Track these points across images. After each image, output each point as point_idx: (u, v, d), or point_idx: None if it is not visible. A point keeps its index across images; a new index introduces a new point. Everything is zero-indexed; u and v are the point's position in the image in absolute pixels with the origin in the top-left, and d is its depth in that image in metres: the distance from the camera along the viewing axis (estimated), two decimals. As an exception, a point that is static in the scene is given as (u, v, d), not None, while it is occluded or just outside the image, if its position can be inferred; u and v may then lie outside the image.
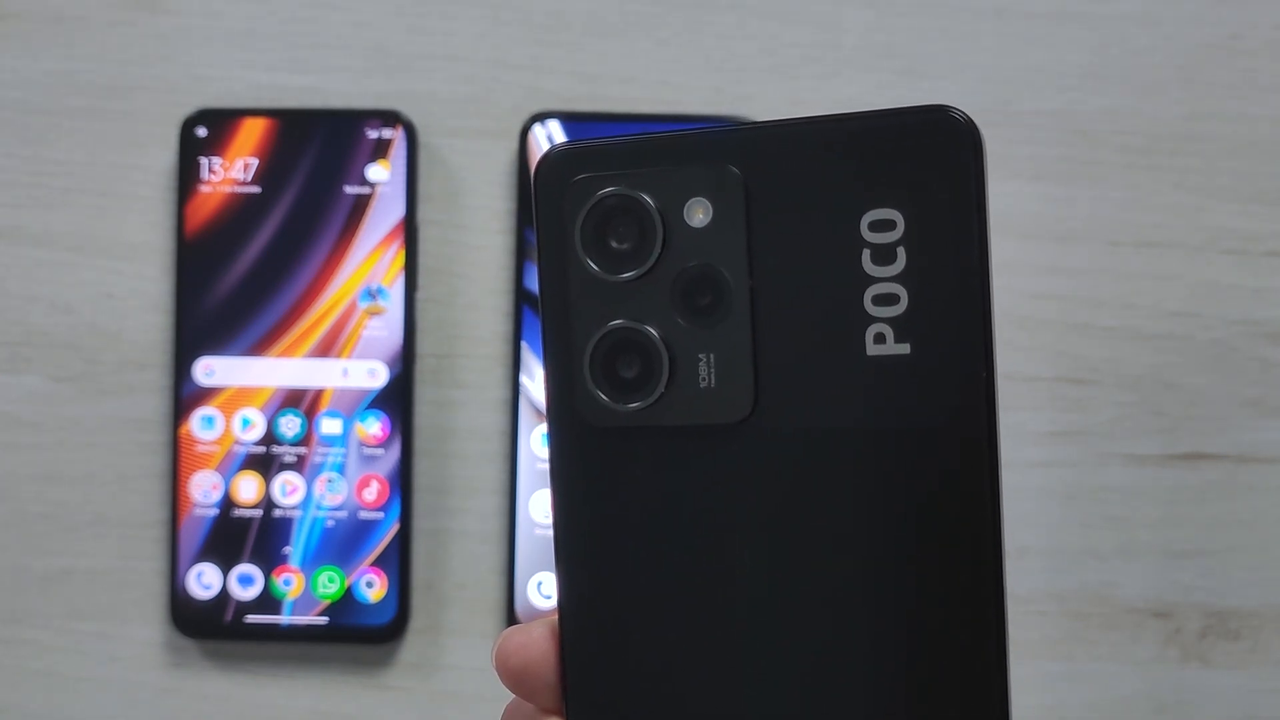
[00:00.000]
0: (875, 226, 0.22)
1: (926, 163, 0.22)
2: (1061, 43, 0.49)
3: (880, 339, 0.22)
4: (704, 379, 0.23)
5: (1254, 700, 0.48)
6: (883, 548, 0.23)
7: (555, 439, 0.25)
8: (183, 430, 0.49)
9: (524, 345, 0.49)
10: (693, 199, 0.23)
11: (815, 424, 0.23)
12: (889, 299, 0.22)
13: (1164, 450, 0.49)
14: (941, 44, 0.49)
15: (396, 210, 0.49)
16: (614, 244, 0.24)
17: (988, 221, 0.22)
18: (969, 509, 0.22)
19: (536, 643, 0.25)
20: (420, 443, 0.49)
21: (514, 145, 0.49)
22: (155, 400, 0.50)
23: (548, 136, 0.49)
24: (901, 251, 0.22)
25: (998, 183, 0.49)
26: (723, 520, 0.23)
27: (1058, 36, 0.49)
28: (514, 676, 0.25)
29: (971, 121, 0.22)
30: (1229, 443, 0.49)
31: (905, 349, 0.22)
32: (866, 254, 0.22)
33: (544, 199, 0.24)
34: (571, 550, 0.24)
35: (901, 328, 0.22)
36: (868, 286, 0.22)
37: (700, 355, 0.23)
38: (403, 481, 0.48)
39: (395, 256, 0.49)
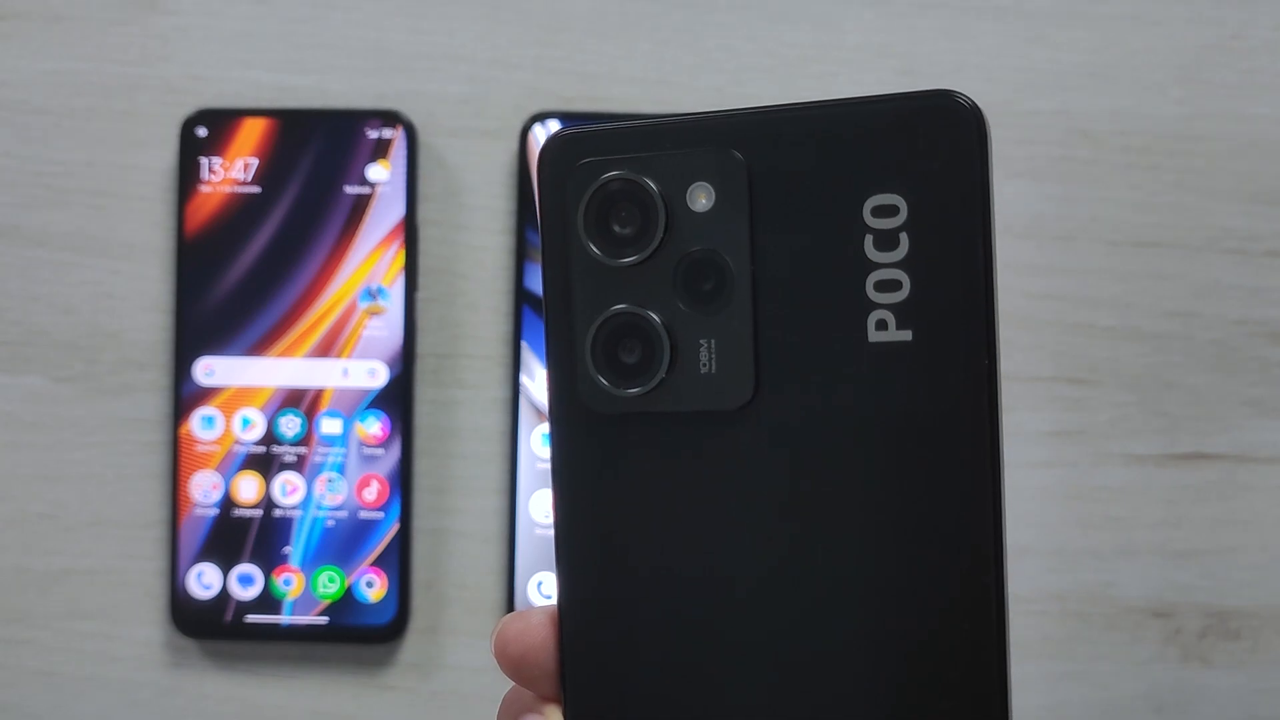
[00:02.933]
0: (878, 212, 0.22)
1: (930, 147, 0.22)
2: (1061, 42, 0.49)
3: (882, 325, 0.22)
4: (705, 365, 0.23)
5: (1254, 700, 0.48)
6: (883, 540, 0.22)
7: (556, 424, 0.24)
8: (183, 430, 0.49)
9: (524, 345, 0.49)
10: (695, 184, 0.23)
11: (816, 411, 0.23)
12: (891, 285, 0.22)
13: (1164, 450, 0.49)
14: (941, 44, 0.49)
15: (397, 210, 0.49)
16: (616, 228, 0.23)
17: (992, 208, 0.22)
18: (970, 500, 0.22)
19: (536, 629, 0.25)
20: (420, 443, 0.49)
21: (514, 145, 0.49)
22: (155, 400, 0.50)
23: (547, 136, 0.49)
24: (904, 237, 0.22)
25: (998, 183, 0.49)
26: (721, 507, 0.23)
27: (1058, 36, 0.49)
28: (513, 663, 0.25)
29: (976, 106, 0.22)
30: (1229, 442, 0.49)
31: (907, 336, 0.22)
32: (869, 239, 0.22)
33: (547, 183, 0.24)
34: (571, 537, 0.24)
35: (904, 314, 0.22)
36: (870, 272, 0.22)
37: (701, 341, 0.23)
38: (403, 481, 0.48)
39: (395, 256, 0.49)
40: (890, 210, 0.22)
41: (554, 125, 0.49)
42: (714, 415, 0.23)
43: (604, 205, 0.23)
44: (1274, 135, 0.49)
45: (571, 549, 0.24)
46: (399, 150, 0.49)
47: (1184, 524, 0.49)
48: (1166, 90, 0.49)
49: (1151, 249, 0.49)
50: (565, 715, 0.25)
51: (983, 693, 0.22)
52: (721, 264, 0.23)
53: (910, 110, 0.22)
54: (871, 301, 0.22)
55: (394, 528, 0.48)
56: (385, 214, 0.49)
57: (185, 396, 0.49)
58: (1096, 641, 0.48)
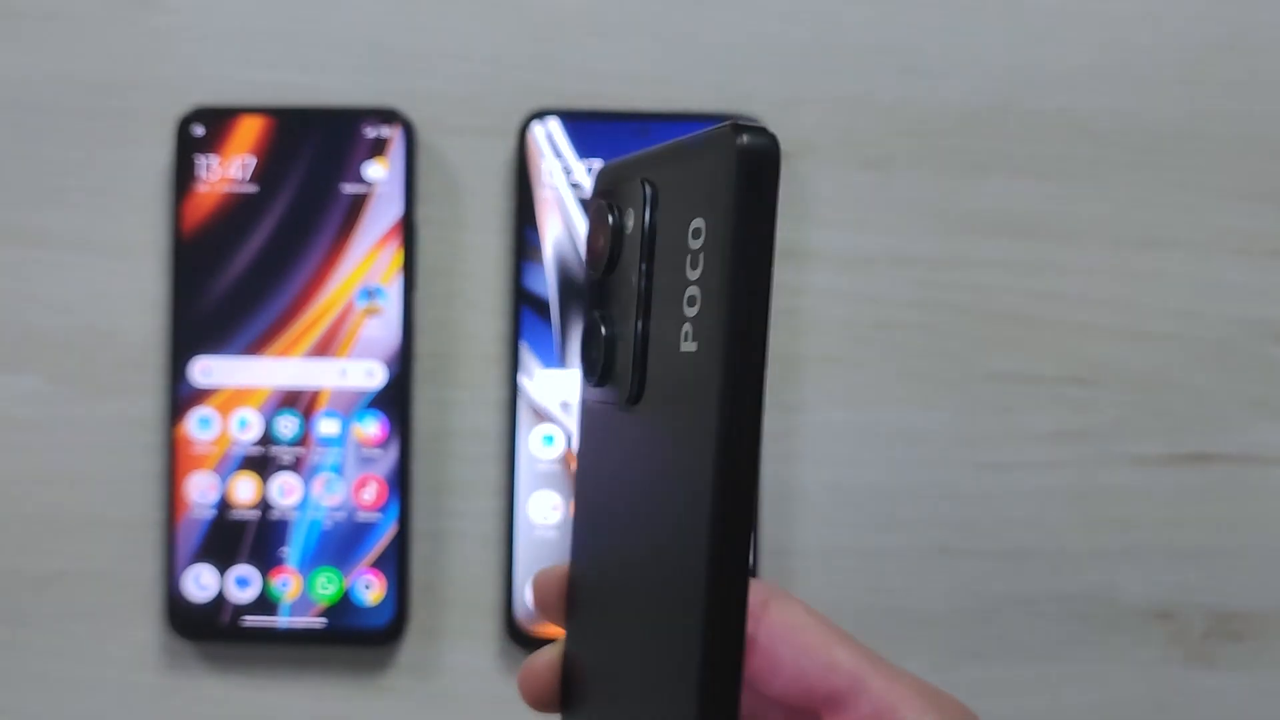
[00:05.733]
0: (694, 234, 0.24)
1: (712, 176, 0.23)
2: (1064, 41, 0.49)
3: (687, 337, 0.24)
4: (621, 368, 0.27)
5: (1257, 702, 0.48)
6: (656, 532, 0.25)
7: (579, 413, 0.30)
8: (179, 431, 0.48)
9: (523, 345, 0.48)
10: (629, 209, 0.27)
11: (658, 414, 0.25)
12: (693, 300, 0.24)
13: (1167, 450, 0.49)
14: (943, 41, 0.49)
15: (394, 209, 0.48)
16: (598, 246, 0.28)
17: (757, 231, 0.23)
18: (702, 495, 0.23)
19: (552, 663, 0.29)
20: (419, 443, 0.49)
21: (513, 143, 0.49)
22: (152, 400, 0.49)
23: (546, 134, 0.48)
24: (702, 257, 0.24)
25: (1000, 181, 0.49)
26: (609, 494, 0.27)
27: (1060, 34, 0.49)
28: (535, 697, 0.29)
29: (749, 141, 0.23)
30: (1233, 443, 0.48)
31: (694, 347, 0.24)
32: (688, 259, 0.24)
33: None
34: (575, 508, 0.30)
35: (696, 328, 0.24)
36: (685, 289, 0.24)
37: (619, 346, 0.27)
38: (401, 482, 0.48)
39: (393, 256, 0.48)
40: (699, 232, 0.24)
41: (553, 123, 0.48)
42: (624, 410, 0.26)
43: (592, 226, 0.28)
44: (1277, 134, 0.49)
45: (573, 522, 0.29)
46: (397, 148, 0.48)
47: (1188, 525, 0.48)
48: (1169, 89, 0.49)
49: (1154, 248, 0.49)
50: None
51: (685, 694, 0.23)
52: (633, 281, 0.26)
53: (708, 139, 0.24)
54: (684, 315, 0.24)
55: (392, 529, 0.48)
56: (383, 213, 0.48)
57: (182, 397, 0.48)
58: (1099, 643, 0.48)
